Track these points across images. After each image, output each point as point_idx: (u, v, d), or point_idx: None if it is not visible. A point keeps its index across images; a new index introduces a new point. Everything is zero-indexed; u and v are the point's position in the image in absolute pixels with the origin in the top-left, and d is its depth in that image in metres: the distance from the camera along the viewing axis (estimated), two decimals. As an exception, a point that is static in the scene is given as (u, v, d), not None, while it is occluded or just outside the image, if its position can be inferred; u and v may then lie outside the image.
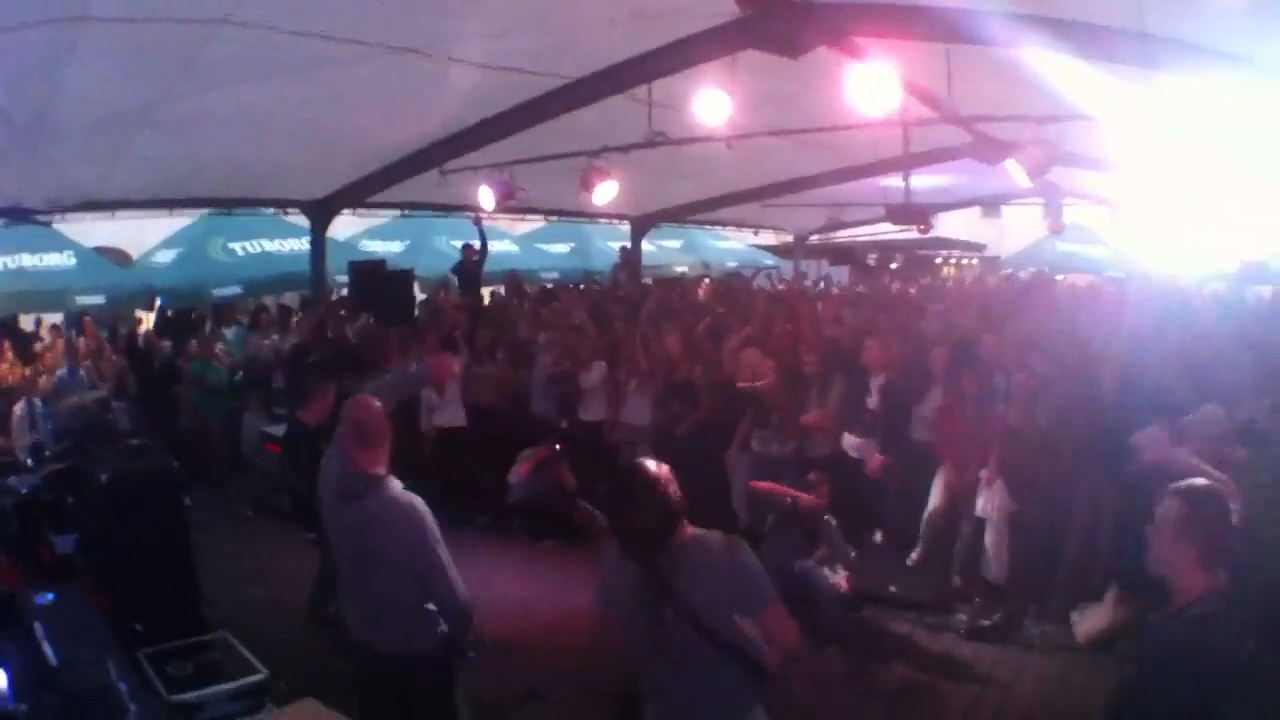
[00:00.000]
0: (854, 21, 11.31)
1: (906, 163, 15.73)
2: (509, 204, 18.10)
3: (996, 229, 41.07)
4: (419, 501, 6.96)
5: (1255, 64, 10.15)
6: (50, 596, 7.52)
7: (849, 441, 13.79)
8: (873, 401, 13.86)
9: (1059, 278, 27.37)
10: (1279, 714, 5.31)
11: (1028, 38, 10.42)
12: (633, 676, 6.09)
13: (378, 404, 7.26)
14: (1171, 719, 4.89)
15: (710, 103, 12.63)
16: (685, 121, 13.47)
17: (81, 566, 9.44)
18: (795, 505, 12.09)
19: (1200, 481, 5.40)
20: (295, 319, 22.31)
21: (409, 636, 7.02)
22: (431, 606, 7.02)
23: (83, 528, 9.83)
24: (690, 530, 5.75)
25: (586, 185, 15.64)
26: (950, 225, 37.33)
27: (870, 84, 11.28)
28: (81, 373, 18.22)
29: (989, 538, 12.09)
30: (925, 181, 20.90)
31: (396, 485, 6.98)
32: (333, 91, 13.16)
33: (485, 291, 24.59)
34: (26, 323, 25.27)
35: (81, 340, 20.22)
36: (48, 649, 6.45)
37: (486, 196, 17.31)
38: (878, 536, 14.24)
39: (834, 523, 12.22)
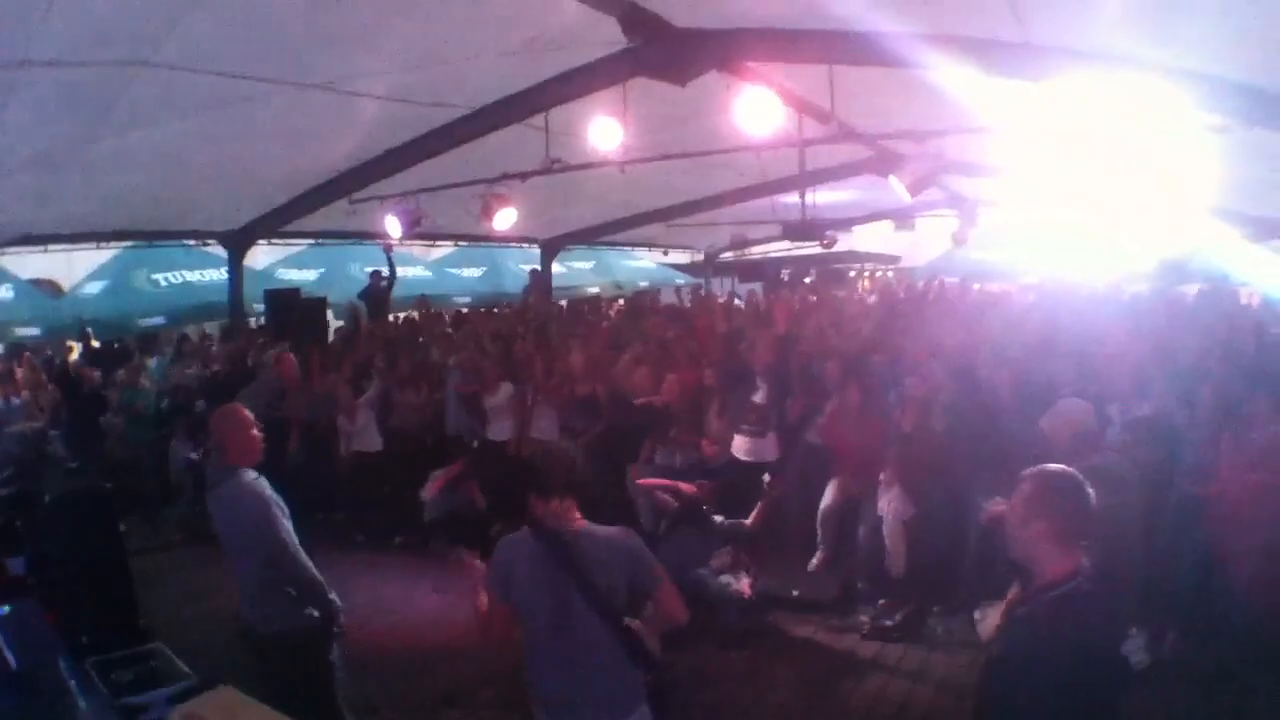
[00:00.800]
0: (739, 47, 11.67)
1: (803, 180, 15.98)
2: (416, 231, 18.23)
3: (910, 241, 41.28)
4: (265, 488, 7.56)
5: (1140, 63, 10.36)
6: (6, 609, 7.87)
7: (738, 444, 13.97)
8: (759, 397, 13.98)
9: (976, 286, 27.54)
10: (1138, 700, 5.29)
11: (909, 56, 10.64)
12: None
13: (233, 413, 7.96)
14: (1032, 704, 4.83)
15: (603, 130, 12.93)
16: (582, 147, 13.77)
17: (31, 585, 9.74)
18: (679, 498, 12.37)
19: (1053, 466, 5.25)
20: (213, 348, 22.33)
21: (275, 616, 7.55)
22: (292, 591, 7.54)
23: (30, 548, 10.12)
24: (586, 523, 6.11)
25: (486, 212, 15.90)
26: (864, 239, 37.70)
27: (756, 105, 11.63)
28: (16, 401, 18.34)
29: (888, 539, 12.31)
30: (829, 197, 21.16)
31: (249, 475, 7.57)
32: (244, 128, 13.40)
33: (394, 317, 24.81)
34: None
35: (20, 372, 20.33)
36: (8, 654, 6.76)
37: (393, 224, 17.47)
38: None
39: (721, 519, 12.44)
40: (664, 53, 11.66)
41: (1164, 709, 8.83)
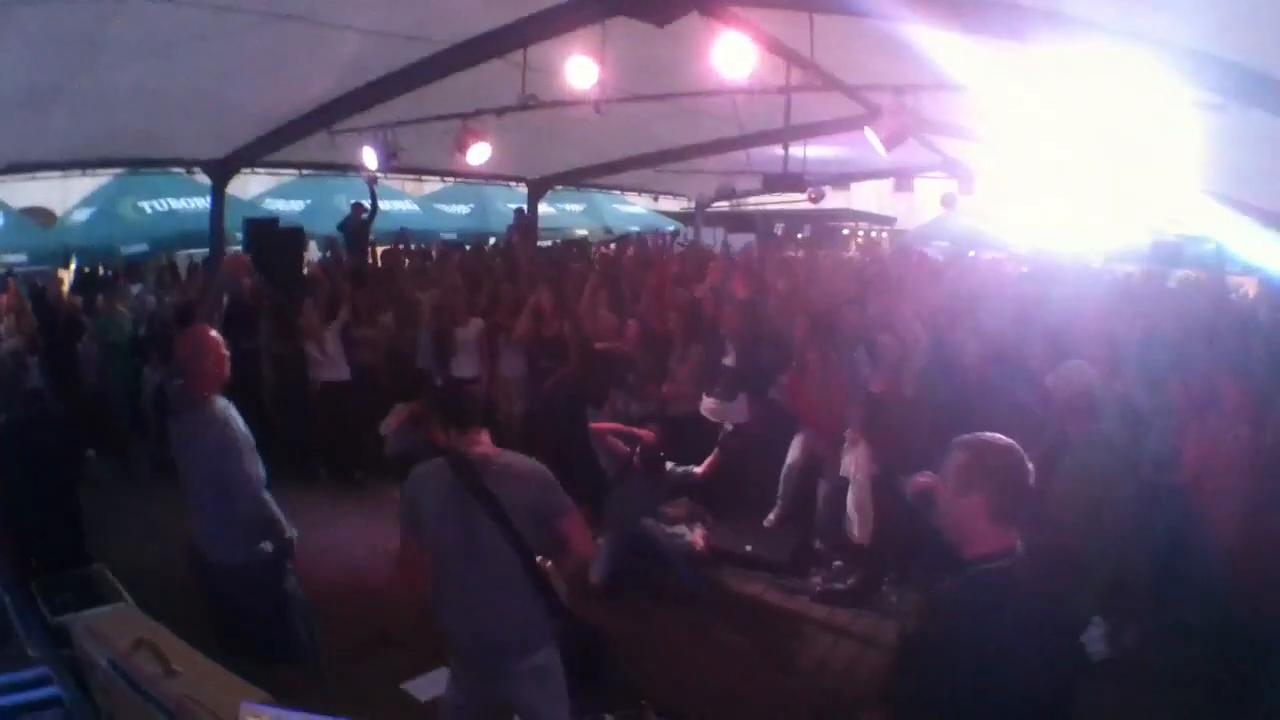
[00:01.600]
0: (719, -11, 11.53)
1: (786, 133, 15.86)
2: (397, 164, 18.27)
3: (907, 203, 41.23)
4: (233, 417, 7.47)
5: (1128, 32, 10.23)
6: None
7: (707, 405, 14.07)
8: (729, 360, 14.13)
9: (970, 254, 27.48)
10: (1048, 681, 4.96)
11: (893, 7, 10.52)
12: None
13: (199, 334, 7.71)
14: (947, 685, 4.46)
15: (579, 68, 12.80)
16: (560, 86, 13.60)
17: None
18: (630, 444, 12.31)
19: (991, 435, 4.82)
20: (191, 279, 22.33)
21: (228, 546, 7.49)
22: (248, 523, 7.51)
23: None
24: (498, 450, 6.17)
25: (460, 146, 15.79)
26: (861, 198, 37.59)
27: (733, 49, 11.48)
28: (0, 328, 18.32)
29: (851, 500, 12.14)
30: (824, 152, 21.06)
31: (217, 404, 7.47)
32: (224, 61, 13.35)
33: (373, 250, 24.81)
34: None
35: (3, 298, 20.28)
36: None
37: (370, 156, 17.53)
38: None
39: (673, 466, 12.51)
40: (643, -8, 11.52)
41: (1122, 704, 8.61)
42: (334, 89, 16.00)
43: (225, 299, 8.59)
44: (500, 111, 15.30)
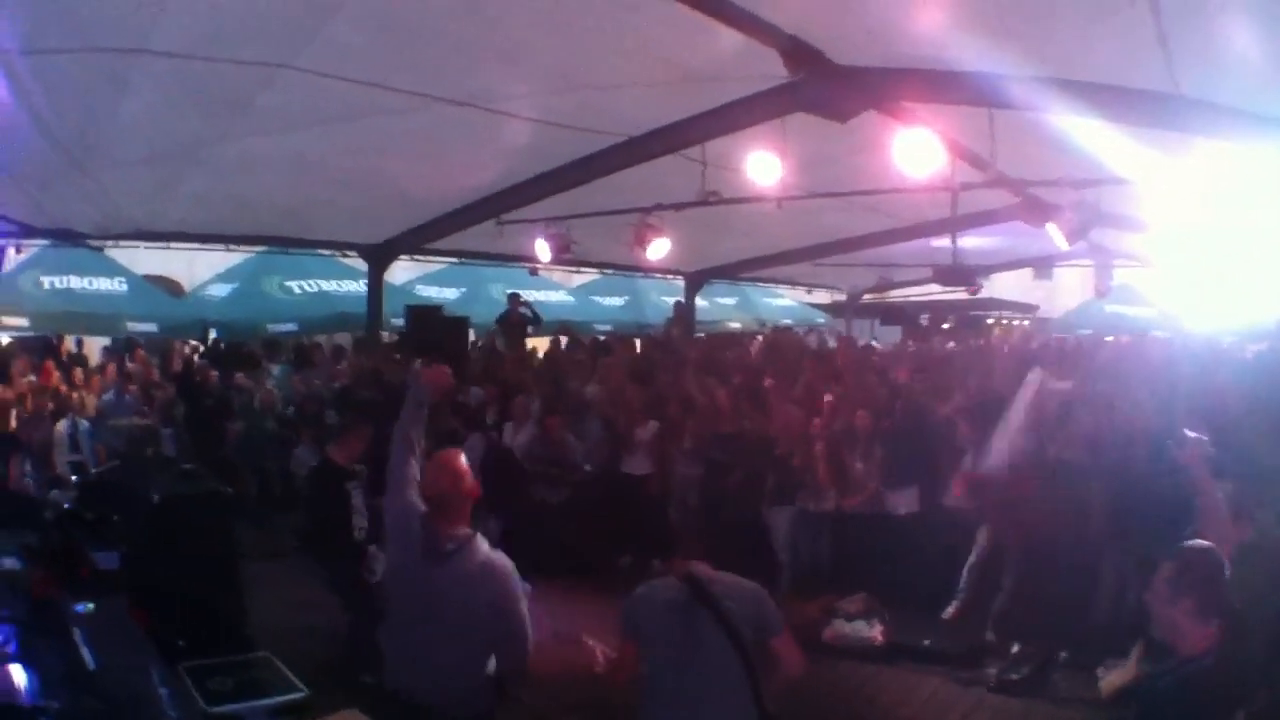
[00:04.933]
0: (900, 86, 11.58)
1: (954, 224, 15.89)
2: (563, 256, 18.31)
3: (1047, 290, 40.77)
4: (506, 563, 6.79)
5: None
6: (90, 606, 7.78)
7: (892, 499, 14.08)
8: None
9: (1108, 339, 27.36)
10: None
11: (1065, 103, 10.64)
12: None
13: (453, 462, 7.00)
14: None
15: (761, 164, 12.84)
16: (737, 181, 13.69)
17: (122, 583, 9.71)
18: None
19: (1194, 543, 5.53)
20: (343, 361, 22.66)
21: (464, 700, 6.84)
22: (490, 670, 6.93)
23: (128, 545, 10.12)
24: (718, 572, 6.32)
25: (640, 241, 15.86)
26: (1002, 286, 37.32)
27: (916, 147, 11.55)
28: (128, 397, 18.62)
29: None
30: (973, 242, 20.98)
31: (485, 543, 6.84)
32: (384, 140, 13.49)
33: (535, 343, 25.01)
34: (69, 344, 25.58)
35: (132, 366, 20.53)
36: (85, 653, 6.59)
37: (542, 249, 17.51)
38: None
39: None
40: (824, 89, 11.56)
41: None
42: (503, 178, 16.19)
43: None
44: (680, 207, 15.31)
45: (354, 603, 10.52)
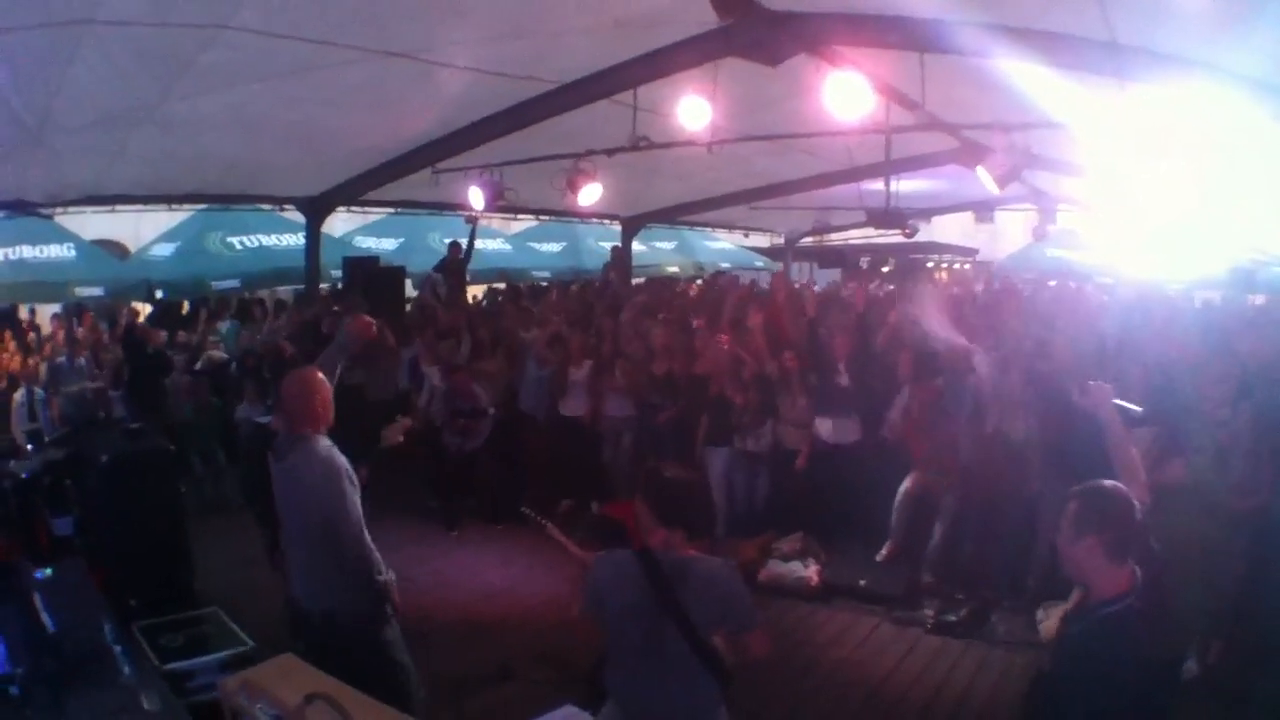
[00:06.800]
0: (831, 31, 11.61)
1: (888, 168, 15.90)
2: (499, 204, 18.26)
3: (990, 233, 41.11)
4: (337, 457, 7.34)
5: (1219, 69, 10.30)
6: (48, 571, 7.82)
7: (821, 425, 14.21)
8: (843, 381, 14.27)
9: (1051, 283, 27.49)
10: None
11: (998, 48, 10.62)
12: (601, 660, 6.36)
13: (306, 377, 7.68)
14: (1083, 714, 4.97)
15: (692, 108, 12.90)
16: (668, 125, 13.73)
17: (78, 547, 9.74)
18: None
19: (1099, 482, 5.43)
20: (282, 316, 22.57)
21: (324, 593, 7.37)
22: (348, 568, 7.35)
23: (80, 509, 10.13)
24: (691, 552, 6.04)
25: (572, 187, 15.79)
26: (943, 230, 37.47)
27: (846, 91, 11.58)
28: (80, 361, 18.55)
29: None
30: (912, 186, 21.16)
31: (321, 443, 7.38)
32: (325, 94, 13.34)
33: (474, 290, 24.91)
34: (22, 312, 25.51)
35: (81, 330, 20.46)
36: (45, 618, 6.67)
37: (476, 196, 17.44)
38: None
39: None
40: (755, 33, 11.62)
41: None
42: (438, 127, 16.11)
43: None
44: (611, 152, 15.29)
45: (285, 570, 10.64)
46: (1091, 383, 6.84)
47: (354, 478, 7.40)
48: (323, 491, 7.20)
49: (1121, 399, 6.76)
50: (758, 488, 14.60)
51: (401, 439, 9.37)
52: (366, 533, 7.38)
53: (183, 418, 17.47)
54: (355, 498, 7.35)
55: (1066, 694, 5.12)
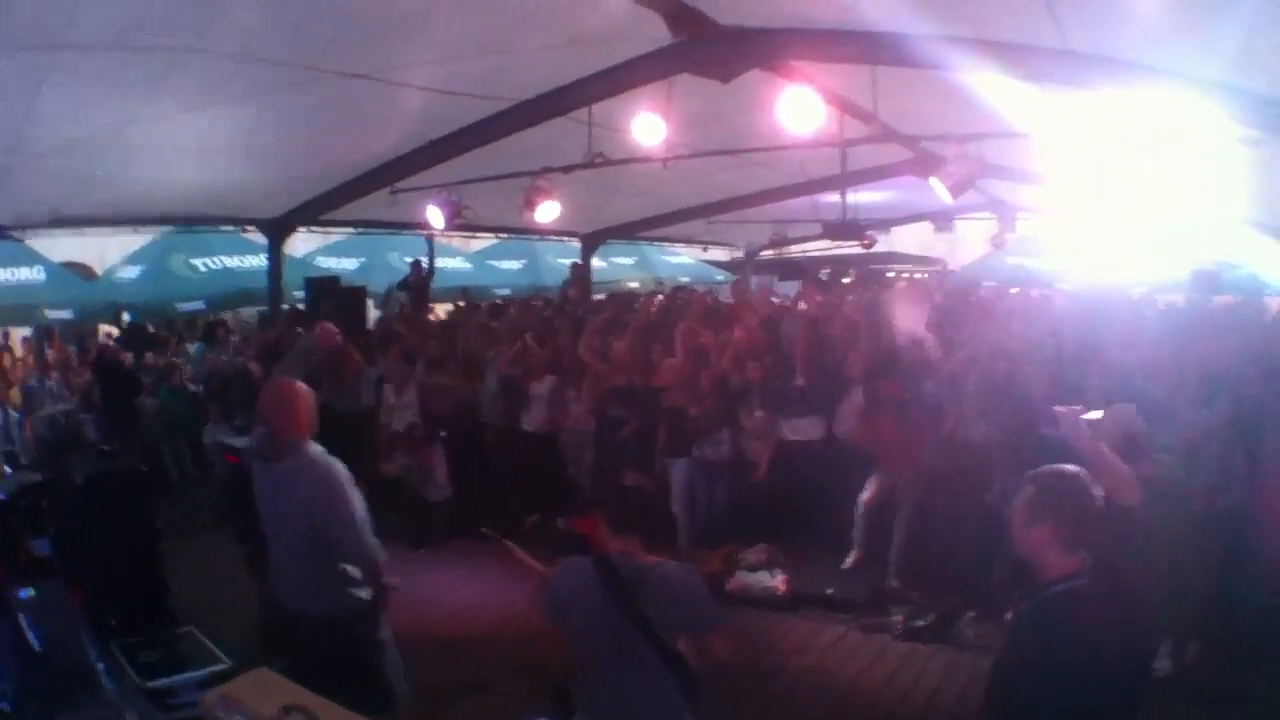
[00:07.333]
0: (784, 46, 11.76)
1: (844, 180, 16.04)
2: (458, 222, 18.26)
3: (949, 243, 41.05)
4: (335, 460, 7.39)
5: (1173, 74, 10.39)
6: (31, 591, 7.89)
7: (790, 426, 14.19)
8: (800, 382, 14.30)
9: (1012, 290, 27.54)
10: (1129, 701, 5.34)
11: (951, 58, 10.71)
12: (572, 672, 6.36)
13: (284, 386, 7.70)
14: (1034, 702, 4.95)
15: (646, 125, 13.01)
16: (625, 142, 13.88)
17: (56, 567, 9.81)
18: None
19: (1057, 466, 5.39)
20: (239, 337, 22.80)
21: (326, 595, 7.39)
22: (348, 569, 7.43)
23: (57, 530, 10.19)
24: (650, 559, 6.07)
25: (529, 204, 15.87)
26: (903, 241, 37.55)
27: (798, 104, 11.71)
28: (50, 384, 18.60)
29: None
30: (870, 197, 21.11)
31: (316, 447, 7.43)
32: (285, 116, 13.44)
33: (438, 308, 24.96)
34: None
35: (50, 353, 20.45)
36: (31, 636, 6.78)
37: (435, 215, 17.45)
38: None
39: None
40: (708, 50, 11.75)
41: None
42: (397, 147, 16.17)
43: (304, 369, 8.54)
44: (568, 169, 15.38)
45: (266, 581, 10.65)
46: (1058, 410, 6.88)
47: (350, 476, 7.45)
48: (324, 493, 7.23)
49: (1081, 405, 6.81)
50: (717, 496, 14.53)
51: (398, 470, 9.46)
52: (370, 530, 7.47)
53: (153, 438, 17.49)
54: (355, 495, 7.41)
55: (1014, 675, 5.21)
